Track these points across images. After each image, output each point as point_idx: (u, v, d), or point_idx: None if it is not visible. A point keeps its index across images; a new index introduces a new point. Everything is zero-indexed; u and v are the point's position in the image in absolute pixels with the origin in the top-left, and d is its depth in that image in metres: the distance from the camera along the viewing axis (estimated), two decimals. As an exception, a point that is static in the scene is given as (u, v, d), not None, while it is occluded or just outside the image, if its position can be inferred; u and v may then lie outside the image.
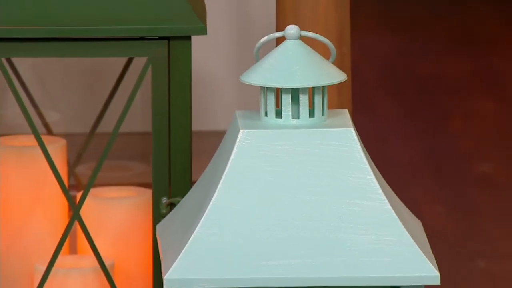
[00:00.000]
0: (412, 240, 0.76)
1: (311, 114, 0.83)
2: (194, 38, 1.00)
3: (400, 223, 0.76)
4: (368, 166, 0.79)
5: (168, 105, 1.00)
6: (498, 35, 3.26)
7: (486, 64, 3.11)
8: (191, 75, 1.01)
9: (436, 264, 0.76)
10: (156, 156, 1.00)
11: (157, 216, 0.98)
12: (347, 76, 0.90)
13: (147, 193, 1.06)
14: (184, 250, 0.75)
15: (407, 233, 0.76)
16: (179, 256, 0.74)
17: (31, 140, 1.02)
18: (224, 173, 0.77)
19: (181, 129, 1.00)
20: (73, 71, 1.45)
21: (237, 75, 0.96)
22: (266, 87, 0.82)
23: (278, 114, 0.83)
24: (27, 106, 1.01)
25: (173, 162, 1.00)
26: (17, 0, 0.96)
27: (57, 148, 1.08)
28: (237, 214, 0.76)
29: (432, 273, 0.74)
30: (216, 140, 0.96)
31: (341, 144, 0.79)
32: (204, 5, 1.07)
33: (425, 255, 0.76)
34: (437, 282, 0.74)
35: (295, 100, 0.82)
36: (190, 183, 0.99)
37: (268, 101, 0.83)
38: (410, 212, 0.87)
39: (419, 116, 2.87)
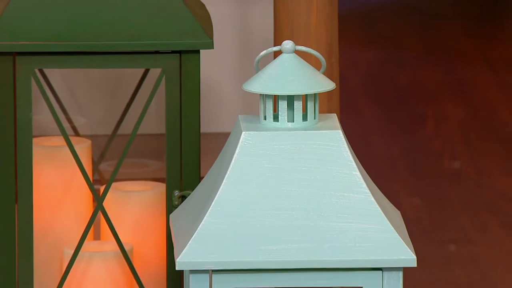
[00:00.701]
0: (392, 228, 0.76)
1: (304, 118, 0.83)
2: (202, 52, 1.00)
3: (382, 213, 0.76)
4: (354, 163, 0.78)
5: (180, 110, 0.99)
6: (464, 49, 3.26)
7: (455, 74, 3.11)
8: (200, 84, 1.01)
9: (413, 249, 0.76)
10: (169, 155, 1.00)
11: (170, 207, 0.98)
12: (336, 84, 0.90)
13: (161, 187, 1.06)
14: (193, 236, 0.74)
15: (388, 222, 0.76)
16: (189, 242, 0.74)
17: (61, 141, 1.02)
18: (229, 169, 0.77)
19: (191, 131, 1.00)
20: (97, 80, 1.45)
21: (240, 84, 0.96)
22: (265, 95, 0.82)
23: (276, 118, 0.82)
24: (57, 112, 1.01)
25: (184, 160, 1.00)
26: (49, 19, 0.96)
27: (83, 148, 1.08)
28: (239, 205, 0.76)
29: (409, 257, 0.74)
30: (222, 140, 0.95)
31: (331, 144, 0.79)
32: (211, 23, 1.07)
33: (403, 240, 0.75)
34: (414, 264, 0.74)
35: (290, 106, 0.82)
36: (199, 178, 0.98)
37: (267, 106, 0.82)
38: (390, 203, 0.86)
39: (397, 120, 2.86)
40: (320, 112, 0.86)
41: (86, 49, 0.96)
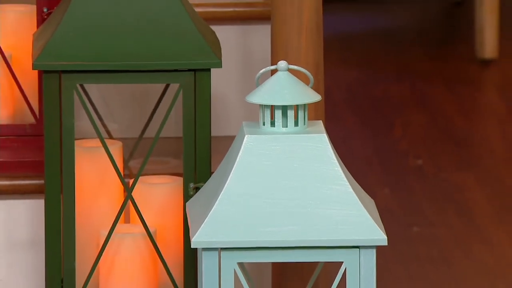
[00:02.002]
0: (367, 213, 0.75)
1: (296, 124, 0.82)
2: (213, 70, 1.00)
3: (359, 201, 0.76)
4: (336, 161, 0.78)
5: (194, 117, 0.99)
6: (425, 69, 3.27)
7: (418, 89, 3.11)
8: (210, 96, 1.00)
9: (384, 231, 0.75)
10: (185, 154, 0.99)
11: (187, 197, 0.97)
12: (321, 97, 0.90)
13: (179, 180, 1.05)
14: (206, 220, 0.74)
15: (364, 209, 0.76)
16: (202, 225, 0.74)
17: (97, 143, 1.01)
18: (234, 166, 0.77)
19: (203, 134, 0.99)
20: (127, 93, 1.44)
21: (243, 96, 0.95)
22: (264, 105, 0.81)
23: (272, 124, 0.82)
24: (94, 119, 1.01)
25: (197, 158, 0.99)
26: (89, 43, 0.96)
27: (116, 149, 1.07)
28: (244, 195, 0.75)
29: (381, 237, 0.74)
30: (229, 142, 0.95)
31: (317, 145, 0.78)
32: (219, 46, 1.06)
33: (376, 224, 0.75)
34: (385, 243, 0.74)
35: (284, 114, 0.81)
36: (210, 173, 0.98)
37: (265, 114, 0.82)
38: (366, 194, 0.86)
39: (372, 125, 2.87)
40: (309, 119, 0.86)
41: (118, 68, 0.95)
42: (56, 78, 0.95)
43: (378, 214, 0.82)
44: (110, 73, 0.97)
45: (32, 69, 0.97)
